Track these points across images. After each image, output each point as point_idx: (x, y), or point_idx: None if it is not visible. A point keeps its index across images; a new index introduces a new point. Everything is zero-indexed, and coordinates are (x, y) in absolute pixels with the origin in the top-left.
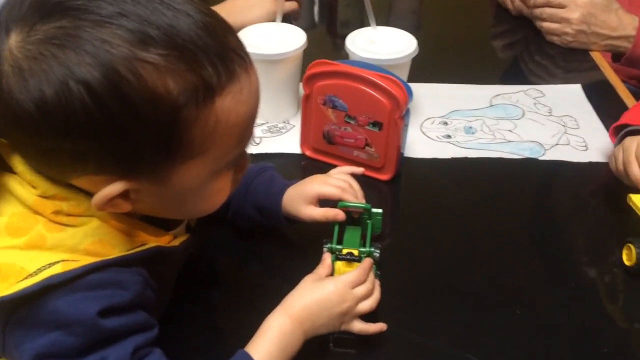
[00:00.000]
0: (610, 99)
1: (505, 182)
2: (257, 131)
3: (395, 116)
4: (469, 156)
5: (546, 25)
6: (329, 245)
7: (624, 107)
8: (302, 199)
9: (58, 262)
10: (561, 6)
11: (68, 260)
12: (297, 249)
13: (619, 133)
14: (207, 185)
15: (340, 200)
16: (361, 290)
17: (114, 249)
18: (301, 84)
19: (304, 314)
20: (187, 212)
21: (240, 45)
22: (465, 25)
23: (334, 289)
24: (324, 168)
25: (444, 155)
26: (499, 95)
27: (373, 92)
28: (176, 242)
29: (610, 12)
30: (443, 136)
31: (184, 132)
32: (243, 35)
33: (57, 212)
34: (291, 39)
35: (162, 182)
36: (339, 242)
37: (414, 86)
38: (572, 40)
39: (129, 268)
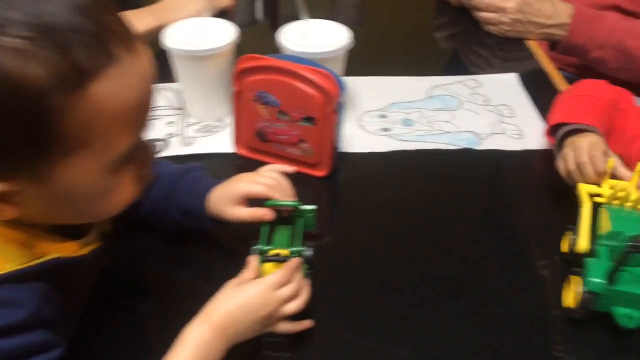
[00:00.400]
0: (545, 87)
1: (443, 173)
2: (190, 131)
3: (327, 110)
4: (406, 149)
5: (483, 15)
6: (256, 247)
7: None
8: (228, 199)
9: None
10: None
11: None
12: (228, 251)
13: (556, 132)
14: (100, 183)
15: (268, 198)
16: (286, 291)
17: (7, 263)
18: None
19: (225, 320)
20: (86, 215)
21: (122, 26)
22: (408, 17)
23: (256, 292)
24: (259, 167)
25: (381, 148)
26: (437, 86)
27: (304, 87)
28: (85, 251)
29: (545, 0)
30: (381, 129)
31: (54, 123)
32: (171, 31)
33: None
34: (221, 34)
35: (44, 181)
36: (269, 242)
37: (353, 79)
38: (509, 30)
39: (24, 284)
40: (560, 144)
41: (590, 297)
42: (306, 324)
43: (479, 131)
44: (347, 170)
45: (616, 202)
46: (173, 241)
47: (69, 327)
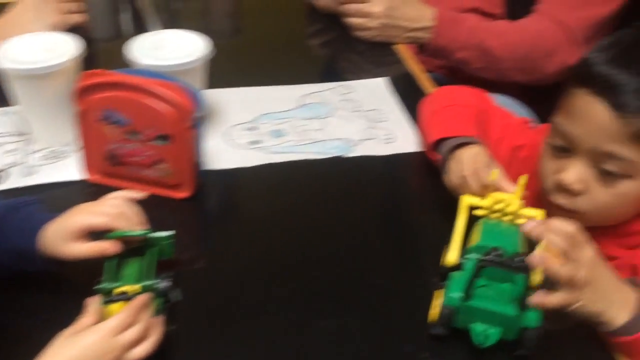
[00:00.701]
0: (413, 90)
1: (314, 184)
2: (34, 159)
3: (183, 127)
4: (276, 161)
5: (352, 20)
6: (100, 286)
7: None
8: (63, 235)
9: None
10: (365, 1)
11: None
12: (72, 294)
13: (438, 148)
14: None
15: (110, 230)
16: (129, 335)
17: None
18: None
19: None
20: None
21: None
22: (283, 26)
23: (93, 341)
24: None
25: (249, 163)
26: (308, 94)
27: (154, 103)
28: None
29: (409, 4)
30: (250, 142)
31: None
32: (4, 48)
33: None
34: (63, 49)
35: None
36: (116, 279)
37: (221, 92)
38: (377, 34)
39: None
40: (445, 160)
41: (448, 312)
42: (157, 333)
43: (350, 138)
44: (213, 188)
45: (495, 215)
46: (6, 287)
47: None
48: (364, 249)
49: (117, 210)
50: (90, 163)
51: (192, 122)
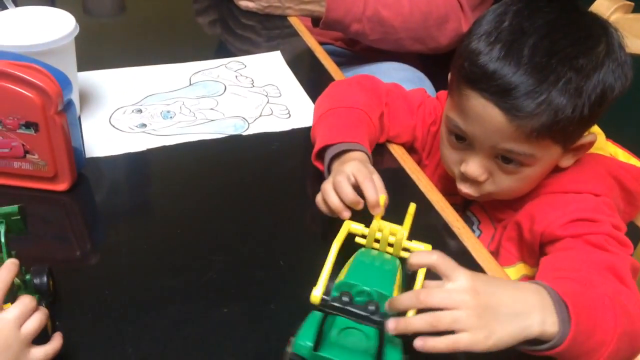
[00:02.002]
0: (310, 63)
1: (210, 166)
2: None
3: (50, 112)
4: (167, 144)
5: None
6: None
7: (323, 70)
8: None
9: None
10: None
11: None
12: None
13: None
14: None
15: None
16: (32, 325)
17: None
18: None
19: None
20: None
21: None
22: (167, 5)
23: None
24: None
25: (138, 148)
26: (199, 72)
27: (12, 86)
28: None
29: None
30: (137, 125)
31: None
32: None
33: None
34: None
35: None
36: None
37: (101, 73)
38: (266, 6)
39: None
40: (329, 169)
41: None
42: (58, 339)
43: (247, 115)
44: (96, 178)
45: (377, 245)
46: None
47: None
48: (260, 229)
49: None
50: None
51: (60, 106)
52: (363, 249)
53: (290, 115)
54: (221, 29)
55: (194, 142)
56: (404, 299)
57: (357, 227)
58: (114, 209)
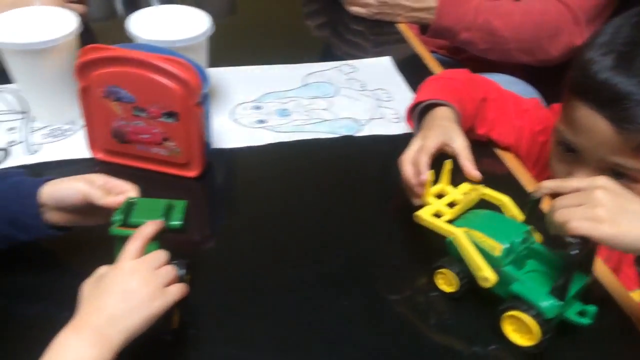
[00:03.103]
0: (419, 69)
1: (324, 163)
2: (37, 137)
3: (190, 104)
4: (284, 140)
5: None
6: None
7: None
8: (59, 196)
9: None
10: None
11: None
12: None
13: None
14: None
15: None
16: (166, 271)
17: None
18: None
19: (99, 322)
20: None
21: None
22: (279, 5)
23: (135, 271)
24: (123, 172)
25: (258, 142)
26: (311, 73)
27: (160, 78)
28: None
29: None
30: (256, 121)
31: None
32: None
33: None
34: (62, 24)
35: None
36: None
37: (223, 70)
38: (376, 12)
39: None
40: (418, 125)
41: (549, 324)
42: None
43: (358, 117)
44: (222, 167)
45: (452, 211)
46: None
47: None
48: (374, 228)
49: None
50: (95, 141)
51: (199, 99)
52: (463, 227)
53: (401, 120)
54: (329, 33)
55: (309, 140)
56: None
57: (430, 210)
58: (237, 198)
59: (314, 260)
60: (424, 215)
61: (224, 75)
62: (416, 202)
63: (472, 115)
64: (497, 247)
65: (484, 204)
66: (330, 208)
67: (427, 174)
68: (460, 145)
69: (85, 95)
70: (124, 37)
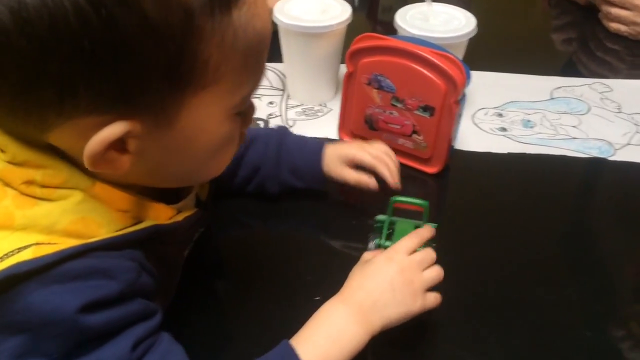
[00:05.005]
0: None
1: (569, 183)
2: (291, 113)
3: (450, 100)
4: (527, 152)
5: (615, 11)
6: (375, 241)
7: None
8: (337, 158)
9: (29, 245)
10: None
11: (42, 244)
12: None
13: None
14: (219, 131)
15: (372, 169)
16: (430, 273)
17: (101, 229)
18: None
19: (366, 303)
20: (193, 173)
21: None
22: (522, 13)
23: (402, 265)
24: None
25: (499, 149)
26: (560, 87)
27: (426, 72)
28: (179, 218)
29: None
30: (497, 129)
31: (198, 49)
32: (281, 5)
33: (30, 183)
34: (334, 11)
35: (169, 122)
36: (388, 237)
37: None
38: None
39: (119, 252)
40: None
41: None
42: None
43: (613, 140)
44: (460, 169)
45: None
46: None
47: (162, 300)
48: (612, 258)
49: (385, 156)
50: (346, 123)
51: (459, 97)
52: None
53: None
54: (577, 47)
55: (555, 155)
56: None
57: None
58: (471, 201)
59: (542, 278)
60: None
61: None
62: None
63: None
64: None
65: None
66: (569, 228)
67: None
68: None
69: (350, 80)
70: (391, 30)
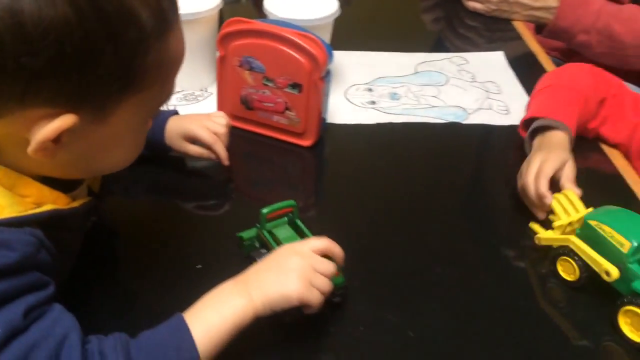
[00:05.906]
0: (532, 67)
1: (430, 146)
2: (172, 99)
3: (315, 77)
4: (393, 121)
5: None
6: (263, 251)
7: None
8: (178, 134)
9: None
10: None
11: None
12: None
13: (529, 127)
14: (138, 130)
15: (209, 145)
16: (324, 263)
17: (3, 210)
18: None
19: (250, 278)
20: (106, 167)
21: None
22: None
23: (290, 252)
24: (244, 136)
25: (368, 120)
26: (424, 62)
27: (291, 51)
28: (76, 204)
29: None
30: (367, 102)
31: (144, 60)
32: None
33: None
34: None
35: (104, 118)
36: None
37: (340, 54)
38: (495, 9)
39: (21, 228)
40: (530, 139)
41: None
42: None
43: (466, 106)
44: (333, 140)
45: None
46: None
47: (57, 283)
48: (471, 212)
49: (219, 130)
50: (224, 105)
51: (323, 74)
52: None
53: (508, 112)
54: (443, 26)
55: (417, 122)
56: None
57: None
58: (344, 169)
59: (405, 234)
60: (545, 235)
61: (340, 58)
62: (540, 216)
63: (586, 121)
64: (625, 244)
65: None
66: (430, 187)
67: (551, 197)
68: (570, 173)
69: (223, 63)
70: (251, 15)
